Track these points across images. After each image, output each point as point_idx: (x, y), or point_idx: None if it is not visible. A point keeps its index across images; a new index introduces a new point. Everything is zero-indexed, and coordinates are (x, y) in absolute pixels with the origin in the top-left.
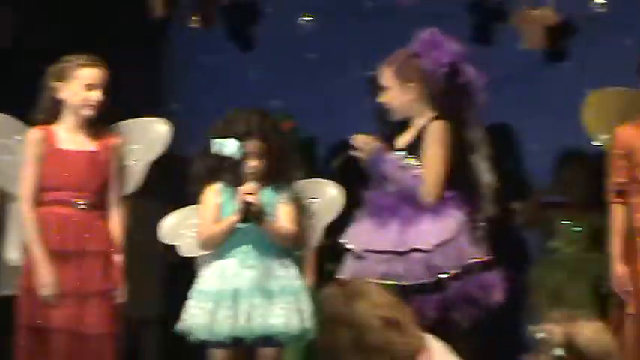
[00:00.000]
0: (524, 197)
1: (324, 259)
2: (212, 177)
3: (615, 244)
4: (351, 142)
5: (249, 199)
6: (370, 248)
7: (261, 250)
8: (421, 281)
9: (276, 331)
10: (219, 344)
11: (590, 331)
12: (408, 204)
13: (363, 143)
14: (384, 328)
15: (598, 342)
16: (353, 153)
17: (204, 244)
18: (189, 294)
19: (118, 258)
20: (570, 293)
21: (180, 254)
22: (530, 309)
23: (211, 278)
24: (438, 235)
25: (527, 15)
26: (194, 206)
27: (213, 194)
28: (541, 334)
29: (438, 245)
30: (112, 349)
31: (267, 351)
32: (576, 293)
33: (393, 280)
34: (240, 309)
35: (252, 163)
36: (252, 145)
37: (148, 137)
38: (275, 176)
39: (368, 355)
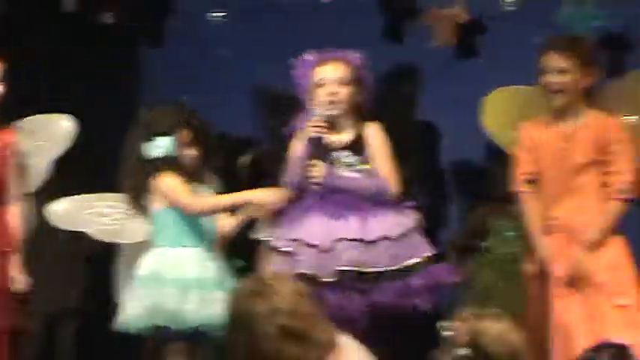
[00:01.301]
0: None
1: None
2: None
3: (534, 226)
4: (308, 170)
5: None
6: (335, 238)
7: (213, 242)
8: (388, 268)
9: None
10: (176, 335)
11: (495, 331)
12: (365, 200)
13: (316, 170)
14: (280, 338)
15: (503, 342)
16: (311, 181)
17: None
18: (131, 283)
19: (16, 254)
20: (500, 293)
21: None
22: (460, 307)
23: (168, 266)
24: (402, 225)
25: (438, 13)
26: (94, 195)
27: (174, 176)
28: (448, 333)
29: (403, 235)
30: (6, 344)
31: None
32: (506, 293)
33: (358, 267)
34: (206, 299)
35: (190, 152)
36: (183, 135)
37: (52, 134)
38: (207, 162)
39: None
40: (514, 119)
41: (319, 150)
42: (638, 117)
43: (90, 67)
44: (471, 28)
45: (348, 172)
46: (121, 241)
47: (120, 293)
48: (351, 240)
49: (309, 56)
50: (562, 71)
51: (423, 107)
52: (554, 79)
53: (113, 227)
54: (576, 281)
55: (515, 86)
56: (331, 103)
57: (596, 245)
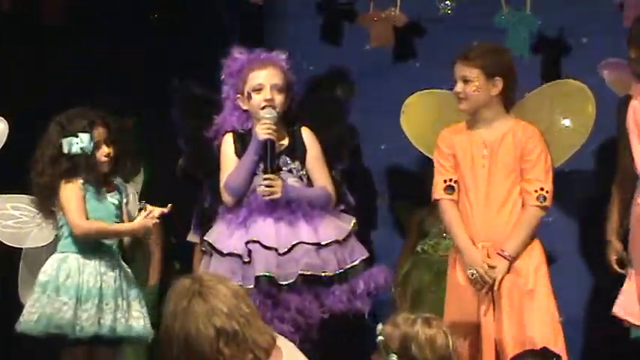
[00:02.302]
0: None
1: (170, 257)
2: (67, 177)
3: (458, 233)
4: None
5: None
6: (293, 242)
7: (116, 252)
8: (337, 272)
9: (136, 332)
10: (76, 342)
11: (425, 337)
12: (309, 205)
13: (276, 185)
14: (216, 339)
15: (432, 348)
16: (268, 197)
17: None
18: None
19: None
20: (432, 296)
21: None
22: (393, 309)
23: (68, 273)
24: (344, 229)
25: (375, 15)
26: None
27: (77, 188)
28: (380, 337)
29: (343, 241)
30: None
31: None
32: (437, 296)
33: (314, 271)
34: (106, 308)
35: (105, 150)
36: (100, 132)
37: None
38: (122, 161)
39: None
40: (434, 123)
41: (272, 154)
42: (568, 122)
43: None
44: (409, 31)
45: (291, 177)
46: (25, 246)
47: (22, 297)
48: (308, 244)
49: (239, 55)
50: (466, 80)
51: (358, 110)
52: (458, 87)
53: (18, 230)
54: (498, 289)
55: (435, 90)
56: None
57: (516, 256)
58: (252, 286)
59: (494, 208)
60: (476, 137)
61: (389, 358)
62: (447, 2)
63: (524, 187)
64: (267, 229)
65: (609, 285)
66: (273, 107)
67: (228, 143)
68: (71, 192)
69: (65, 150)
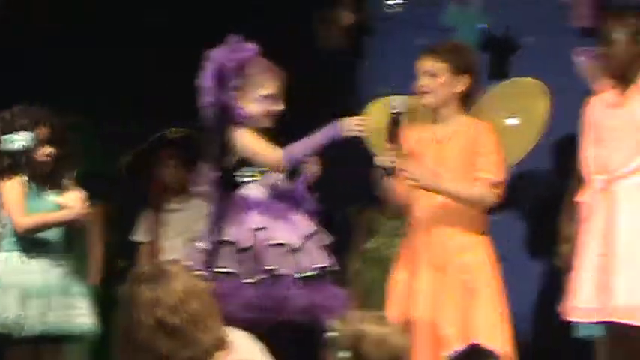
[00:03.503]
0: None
1: (114, 255)
2: (8, 175)
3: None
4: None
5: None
6: (303, 236)
7: (63, 249)
8: (298, 275)
9: (81, 329)
10: (21, 341)
11: (377, 335)
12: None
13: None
14: (155, 330)
15: (383, 346)
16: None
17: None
18: None
19: None
20: (382, 294)
21: None
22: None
23: (11, 272)
24: (303, 234)
25: (324, 15)
26: None
27: (19, 185)
28: (331, 334)
29: (304, 244)
30: None
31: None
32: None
33: (325, 266)
34: (51, 306)
35: (47, 150)
36: (43, 132)
37: None
38: (67, 161)
39: (132, 349)
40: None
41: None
42: (517, 120)
43: None
44: (357, 30)
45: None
46: None
47: None
48: (276, 244)
49: (250, 45)
50: (432, 74)
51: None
52: (422, 81)
53: None
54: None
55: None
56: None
57: (439, 188)
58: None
59: (443, 203)
60: (432, 134)
61: (340, 355)
62: (395, 1)
63: (476, 177)
64: (275, 224)
65: (558, 283)
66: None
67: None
68: (12, 189)
69: (6, 147)
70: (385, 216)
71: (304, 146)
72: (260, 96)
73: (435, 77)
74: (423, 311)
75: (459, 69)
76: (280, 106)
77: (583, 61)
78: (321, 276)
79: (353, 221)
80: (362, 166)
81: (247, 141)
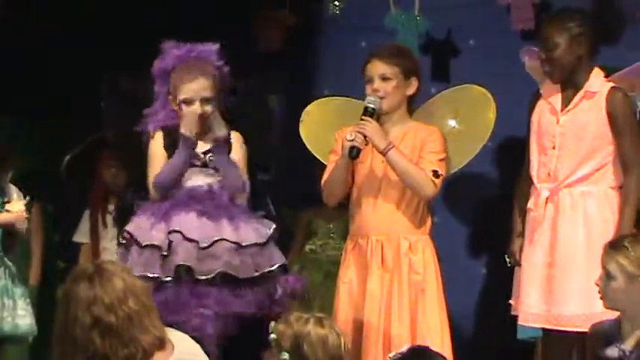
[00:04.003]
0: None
1: (54, 256)
2: None
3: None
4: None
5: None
6: (215, 238)
7: (3, 250)
8: (254, 274)
9: (21, 330)
10: None
11: (317, 337)
12: (232, 203)
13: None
14: (90, 328)
15: (323, 348)
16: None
17: None
18: None
19: None
20: (321, 296)
21: None
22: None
23: None
24: (264, 234)
25: (264, 16)
26: None
27: None
28: (273, 335)
29: (265, 243)
30: None
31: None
32: (327, 296)
33: (231, 271)
34: None
35: None
36: None
37: None
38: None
39: (69, 348)
40: (333, 131)
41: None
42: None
43: None
44: (298, 31)
45: (211, 178)
46: None
47: None
48: (230, 242)
49: (175, 50)
50: (386, 78)
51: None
52: (376, 85)
53: None
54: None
55: (334, 97)
56: (200, 117)
57: (388, 150)
58: (169, 278)
59: (391, 204)
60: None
61: (281, 356)
62: (337, 2)
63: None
64: (189, 222)
65: (498, 284)
66: (201, 119)
67: (157, 140)
68: None
69: None
70: (324, 218)
71: (168, 168)
72: (179, 101)
73: (389, 81)
74: (374, 312)
75: (409, 72)
76: (198, 111)
77: (530, 60)
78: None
79: (291, 223)
80: (301, 168)
81: (150, 152)
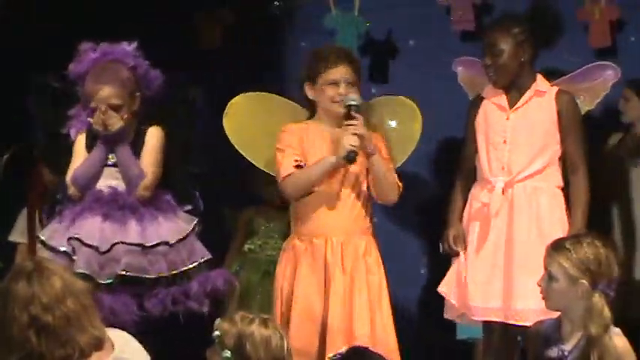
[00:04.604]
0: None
1: None
2: None
3: (314, 165)
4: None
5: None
6: (114, 241)
7: None
8: (164, 274)
9: None
10: None
11: (260, 337)
12: (143, 205)
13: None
14: (26, 327)
15: (266, 348)
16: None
17: None
18: None
19: None
20: (261, 294)
21: None
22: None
23: None
24: (180, 230)
25: (204, 14)
26: None
27: None
28: (217, 332)
29: (181, 240)
30: None
31: None
32: (266, 296)
33: (136, 272)
34: None
35: None
36: None
37: None
38: None
39: (5, 347)
40: (258, 126)
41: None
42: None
43: None
44: (239, 30)
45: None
46: None
47: None
48: (130, 244)
49: (90, 53)
50: (350, 83)
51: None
52: (344, 89)
53: None
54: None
55: (260, 93)
56: (105, 123)
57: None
58: None
59: (350, 206)
60: (326, 133)
61: (223, 354)
62: (276, 2)
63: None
64: (91, 227)
65: (437, 284)
66: (108, 123)
67: (80, 140)
68: None
69: None
70: (264, 217)
71: (84, 165)
72: (90, 106)
73: (353, 87)
74: (338, 313)
75: (360, 76)
76: (111, 117)
77: (462, 70)
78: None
79: (230, 223)
80: (238, 167)
81: (73, 151)
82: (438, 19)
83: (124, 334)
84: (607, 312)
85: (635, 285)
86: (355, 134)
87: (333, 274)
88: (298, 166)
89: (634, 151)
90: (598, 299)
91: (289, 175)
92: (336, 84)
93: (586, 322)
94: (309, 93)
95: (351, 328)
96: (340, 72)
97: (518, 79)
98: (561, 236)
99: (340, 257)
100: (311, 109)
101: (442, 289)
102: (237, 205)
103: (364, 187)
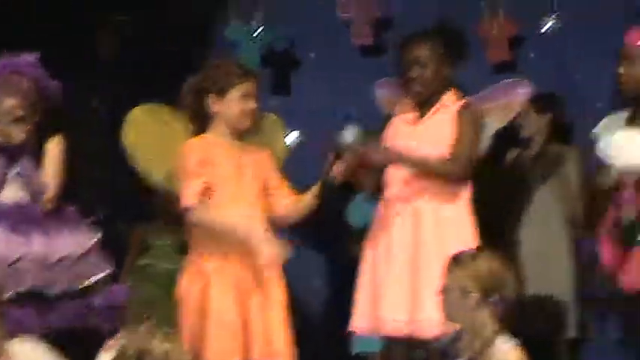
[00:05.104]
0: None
1: None
2: None
3: (231, 223)
4: None
5: None
6: (18, 255)
7: None
8: (67, 289)
9: None
10: None
11: (161, 351)
12: (48, 217)
13: None
14: None
15: None
16: None
17: None
18: None
19: None
20: (161, 308)
21: None
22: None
23: None
24: (82, 244)
25: (106, 27)
26: None
27: None
28: (117, 347)
29: (83, 254)
30: None
31: None
32: (167, 309)
33: (41, 286)
34: None
35: None
36: None
37: None
38: None
39: None
40: (154, 138)
41: None
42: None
43: None
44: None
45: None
46: None
47: None
48: (35, 257)
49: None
50: (255, 97)
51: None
52: (254, 105)
53: None
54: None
55: (156, 104)
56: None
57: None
58: None
59: (256, 220)
60: (233, 152)
61: None
62: (175, 14)
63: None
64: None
65: (334, 298)
66: (12, 137)
67: None
68: None
69: None
70: (159, 233)
71: None
72: None
73: (257, 100)
74: (256, 327)
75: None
76: (14, 128)
77: (383, 92)
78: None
79: (126, 237)
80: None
81: None
82: (339, 33)
83: (36, 345)
84: (494, 325)
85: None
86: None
87: (247, 290)
88: (205, 189)
89: (530, 167)
90: (486, 312)
91: (196, 207)
92: (247, 98)
93: (475, 335)
94: (214, 106)
95: (271, 342)
96: (252, 86)
97: (434, 94)
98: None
99: (251, 273)
100: (203, 121)
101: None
102: (136, 219)
103: (264, 203)
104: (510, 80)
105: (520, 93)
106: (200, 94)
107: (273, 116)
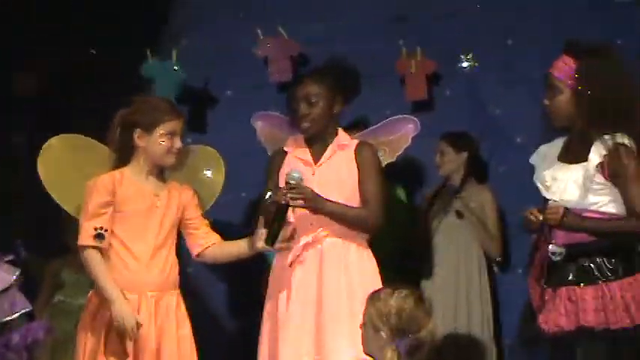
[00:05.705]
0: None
1: None
2: None
3: (108, 284)
4: None
5: None
6: None
7: None
8: None
9: None
10: None
11: None
12: None
13: None
14: None
15: None
16: None
17: None
18: None
19: None
20: (73, 345)
21: None
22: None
23: None
24: (1, 282)
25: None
26: None
27: None
28: None
29: (2, 292)
30: None
31: None
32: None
33: None
34: None
35: None
36: None
37: None
38: None
39: None
40: (71, 168)
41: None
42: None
43: None
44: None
45: None
46: None
47: None
48: None
49: None
50: (179, 135)
51: None
52: (177, 143)
53: None
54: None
55: (77, 135)
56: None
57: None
58: None
59: (164, 259)
60: (148, 188)
61: None
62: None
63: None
64: None
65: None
66: None
67: None
68: None
69: None
70: (73, 268)
71: None
72: None
73: (180, 138)
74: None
75: None
76: None
77: (261, 125)
78: None
79: (37, 274)
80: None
81: None
82: (256, 70)
83: None
84: None
85: None
86: None
87: (146, 331)
88: (98, 235)
89: (447, 204)
90: (389, 353)
91: (87, 250)
92: (174, 136)
93: None
94: (140, 140)
95: None
96: (179, 124)
97: (325, 132)
98: (374, 288)
99: (154, 313)
100: (127, 153)
101: None
102: (49, 253)
103: (174, 241)
104: (399, 116)
105: (409, 128)
106: (127, 127)
107: (212, 149)
